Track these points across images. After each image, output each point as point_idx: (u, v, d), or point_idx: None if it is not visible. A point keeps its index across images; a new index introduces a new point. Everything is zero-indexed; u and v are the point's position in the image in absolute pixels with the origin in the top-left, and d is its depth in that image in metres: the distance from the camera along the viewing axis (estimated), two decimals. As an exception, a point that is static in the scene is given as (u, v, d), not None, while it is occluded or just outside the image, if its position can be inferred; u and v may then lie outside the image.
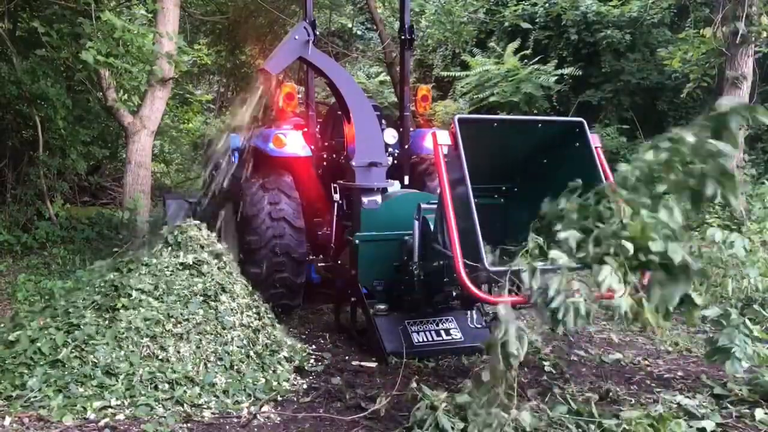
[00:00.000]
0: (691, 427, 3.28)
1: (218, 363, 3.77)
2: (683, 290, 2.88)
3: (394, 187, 5.41)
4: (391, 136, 5.76)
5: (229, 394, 3.63)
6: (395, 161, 5.82)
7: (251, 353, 3.95)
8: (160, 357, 3.68)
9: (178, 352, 3.73)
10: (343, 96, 5.04)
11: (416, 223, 4.32)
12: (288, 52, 4.93)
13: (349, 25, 17.95)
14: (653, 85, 12.29)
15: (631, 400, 3.74)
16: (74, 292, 4.31)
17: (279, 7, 12.72)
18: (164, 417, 3.36)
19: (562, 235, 2.97)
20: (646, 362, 4.53)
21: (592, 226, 3.00)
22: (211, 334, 3.89)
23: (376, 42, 16.86)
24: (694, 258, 2.92)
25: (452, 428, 3.01)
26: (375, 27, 14.10)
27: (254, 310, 4.25)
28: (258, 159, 5.64)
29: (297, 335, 4.95)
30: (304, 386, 3.95)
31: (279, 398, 3.73)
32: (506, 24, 14.77)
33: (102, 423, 3.29)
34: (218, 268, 4.30)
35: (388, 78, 14.65)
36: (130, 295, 3.90)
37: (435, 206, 4.07)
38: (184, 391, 3.54)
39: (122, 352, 3.63)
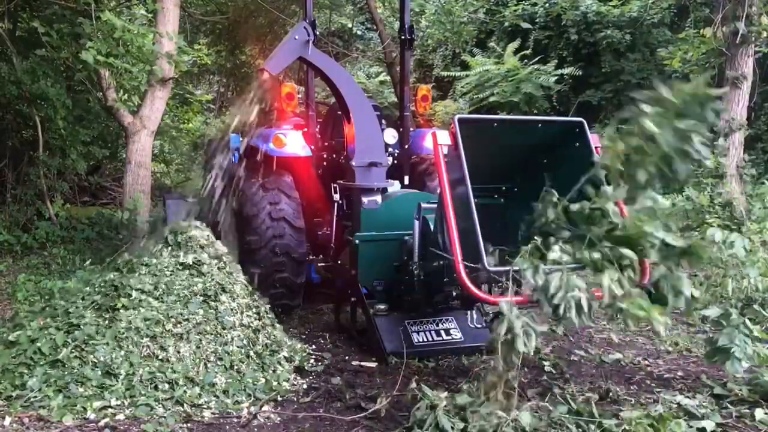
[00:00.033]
0: (691, 427, 3.28)
1: (218, 363, 3.77)
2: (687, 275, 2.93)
3: (394, 187, 5.40)
4: (391, 136, 5.75)
5: (229, 394, 3.63)
6: (395, 161, 5.82)
7: (251, 353, 3.94)
8: (160, 357, 3.68)
9: (178, 352, 3.73)
10: (343, 96, 5.04)
11: (416, 223, 4.32)
12: (288, 52, 4.93)
13: (349, 25, 17.96)
14: (653, 85, 12.28)
15: (631, 400, 3.73)
16: (74, 292, 4.31)
17: (279, 7, 12.73)
18: (164, 417, 3.36)
19: (552, 255, 3.01)
20: (646, 362, 4.52)
21: (585, 231, 3.04)
22: (211, 334, 3.89)
23: (376, 42, 16.87)
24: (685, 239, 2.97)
25: (452, 428, 3.01)
26: (375, 27, 14.11)
27: (254, 310, 4.25)
28: (258, 159, 5.64)
29: (297, 335, 4.94)
30: (304, 386, 3.95)
31: (279, 398, 3.72)
32: (506, 24, 14.78)
33: (102, 423, 3.29)
34: (218, 268, 4.30)
35: (388, 78, 14.66)
36: (130, 295, 3.90)
37: (435, 206, 4.07)
38: (184, 391, 3.54)
39: (122, 352, 3.63)
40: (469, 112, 13.70)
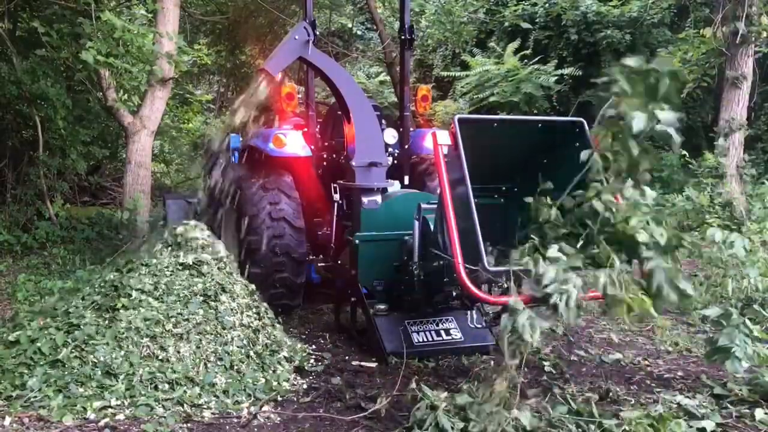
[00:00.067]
0: (691, 427, 3.28)
1: (218, 363, 3.77)
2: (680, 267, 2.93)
3: (394, 187, 5.40)
4: (391, 136, 5.75)
5: (229, 394, 3.63)
6: (395, 161, 5.82)
7: (251, 353, 3.94)
8: (160, 357, 3.68)
9: (178, 352, 3.73)
10: (343, 96, 5.04)
11: (416, 223, 4.32)
12: (288, 52, 4.93)
13: (349, 25, 17.96)
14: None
15: (631, 400, 3.73)
16: (74, 292, 4.31)
17: (279, 7, 12.73)
18: (164, 417, 3.36)
19: (550, 254, 3.03)
20: (646, 362, 4.52)
21: (578, 230, 3.06)
22: (211, 334, 3.89)
23: (376, 42, 16.87)
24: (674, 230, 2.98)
25: (452, 428, 3.01)
26: (375, 27, 14.11)
27: (254, 310, 4.25)
28: (258, 159, 5.64)
29: (297, 335, 4.94)
30: (304, 386, 3.95)
31: (279, 398, 3.72)
32: (506, 24, 14.78)
33: (102, 423, 3.29)
34: (218, 268, 4.30)
35: (388, 78, 14.66)
36: (130, 295, 3.90)
37: (435, 206, 4.07)
38: (184, 391, 3.54)
39: (122, 352, 3.62)
40: (469, 112, 13.70)
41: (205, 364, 3.74)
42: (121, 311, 3.80)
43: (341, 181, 5.39)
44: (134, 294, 3.91)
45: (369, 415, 3.47)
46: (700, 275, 6.34)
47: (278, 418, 3.49)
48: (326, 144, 6.02)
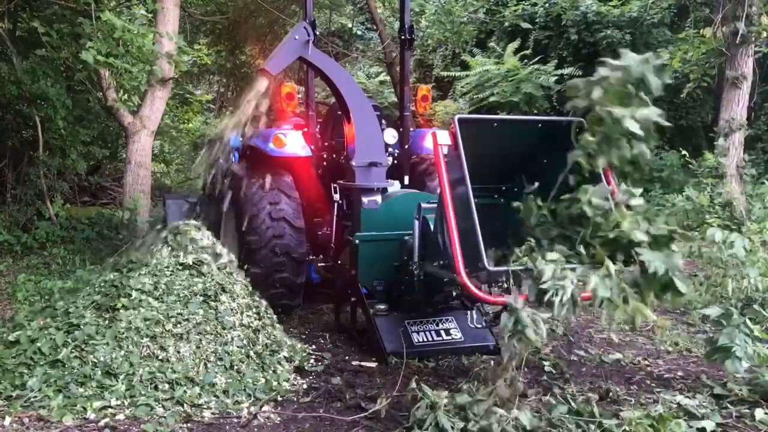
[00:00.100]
0: (691, 427, 3.28)
1: (218, 363, 3.77)
2: (676, 259, 2.92)
3: (394, 187, 5.40)
4: (391, 136, 5.75)
5: (229, 394, 3.63)
6: (395, 161, 5.82)
7: (251, 353, 3.94)
8: (160, 357, 3.68)
9: (178, 352, 3.73)
10: (343, 96, 5.04)
11: (416, 223, 4.32)
12: (288, 52, 4.92)
13: (349, 25, 17.97)
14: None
15: (631, 400, 3.73)
16: (74, 292, 4.31)
17: (279, 7, 12.73)
18: (164, 417, 3.36)
19: (549, 256, 3.04)
20: (646, 362, 4.52)
21: (573, 233, 3.07)
22: (211, 334, 3.89)
23: (376, 42, 16.87)
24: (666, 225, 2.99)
25: (452, 428, 3.01)
26: (375, 27, 14.12)
27: (254, 310, 4.25)
28: (258, 159, 5.64)
29: (297, 335, 4.94)
30: (304, 386, 3.95)
31: (279, 398, 3.72)
32: (506, 24, 14.78)
33: (102, 423, 3.29)
34: (218, 268, 4.30)
35: (388, 78, 14.67)
36: (130, 295, 3.91)
37: (435, 206, 4.07)
38: (184, 391, 3.54)
39: (122, 352, 3.63)
40: (469, 112, 13.70)
41: (205, 364, 3.74)
42: (121, 311, 3.80)
43: (341, 181, 5.39)
44: (134, 294, 3.92)
45: (369, 415, 3.47)
46: (700, 275, 6.34)
47: (278, 418, 3.49)
48: (326, 144, 6.02)
